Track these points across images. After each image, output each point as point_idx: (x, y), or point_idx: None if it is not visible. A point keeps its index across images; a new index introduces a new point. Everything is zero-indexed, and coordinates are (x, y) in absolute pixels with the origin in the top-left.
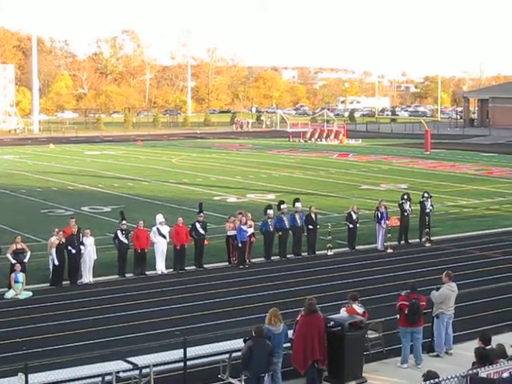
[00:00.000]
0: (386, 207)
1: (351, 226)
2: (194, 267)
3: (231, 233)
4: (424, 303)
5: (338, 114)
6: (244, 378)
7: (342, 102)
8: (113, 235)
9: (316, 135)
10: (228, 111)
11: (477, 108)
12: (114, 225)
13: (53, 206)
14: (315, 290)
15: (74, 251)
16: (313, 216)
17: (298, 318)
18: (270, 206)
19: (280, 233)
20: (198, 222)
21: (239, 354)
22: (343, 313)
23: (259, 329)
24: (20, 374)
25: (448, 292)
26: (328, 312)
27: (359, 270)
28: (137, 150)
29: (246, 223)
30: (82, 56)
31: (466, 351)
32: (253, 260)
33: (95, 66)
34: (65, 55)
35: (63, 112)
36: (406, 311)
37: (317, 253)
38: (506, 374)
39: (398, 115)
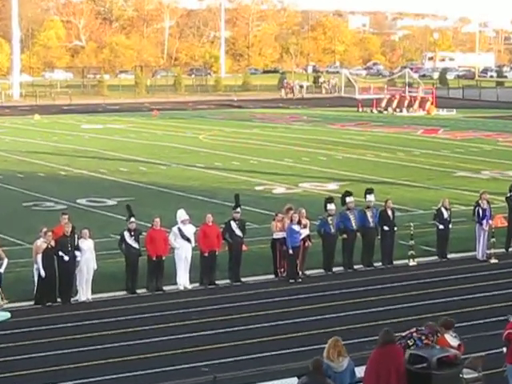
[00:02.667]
0: (488, 202)
1: (441, 226)
2: (228, 281)
3: (279, 235)
4: None
5: (424, 76)
6: None
7: (430, 58)
8: (118, 237)
9: (394, 104)
10: (275, 71)
11: None
12: (121, 223)
13: (39, 198)
14: (391, 314)
15: (66, 258)
16: (389, 213)
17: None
18: (330, 200)
19: (345, 235)
20: (234, 220)
21: None
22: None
23: (317, 362)
24: None
25: None
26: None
27: (452, 286)
28: (152, 123)
29: (298, 222)
30: None
31: None
32: (307, 272)
33: (96, 9)
34: None
35: (53, 71)
36: None
37: (394, 263)
38: None
39: (506, 77)
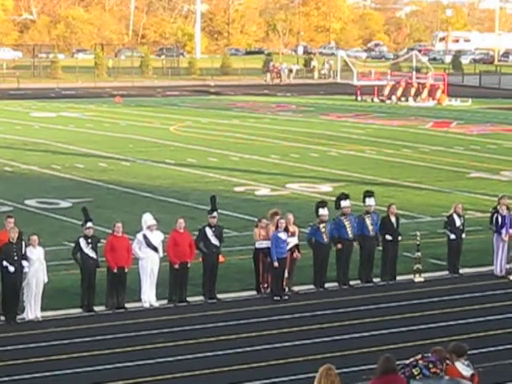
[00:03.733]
0: (509, 208)
1: (453, 236)
2: (201, 298)
3: (262, 244)
4: None
5: (434, 59)
6: None
7: (442, 39)
8: (73, 245)
9: (399, 92)
10: (259, 52)
11: None
12: (77, 229)
13: None
14: (393, 338)
15: (12, 269)
16: (393, 220)
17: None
18: (323, 204)
19: (339, 245)
20: (210, 226)
21: None
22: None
23: None
24: None
25: None
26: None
27: (465, 306)
28: (114, 112)
29: (285, 230)
30: None
31: None
32: (295, 288)
33: None
34: None
35: None
36: None
37: (398, 278)
38: None
39: None
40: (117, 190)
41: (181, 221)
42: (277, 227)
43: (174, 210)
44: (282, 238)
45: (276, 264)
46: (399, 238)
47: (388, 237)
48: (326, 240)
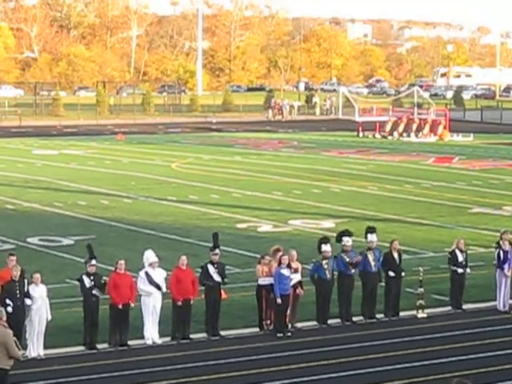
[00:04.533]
0: (511, 243)
1: (461, 270)
2: (204, 335)
3: (265, 281)
4: None
5: (435, 95)
6: None
7: (443, 75)
8: (78, 283)
9: (401, 128)
10: (261, 88)
11: None
12: (79, 266)
13: None
14: (396, 374)
15: (13, 307)
16: (395, 256)
17: None
18: (326, 240)
19: (391, 273)
20: (212, 263)
21: None
22: None
23: None
24: None
25: None
26: None
27: (468, 342)
28: (116, 149)
29: (288, 266)
30: (30, 0)
31: None
32: (298, 325)
33: (51, 15)
34: None
35: (0, 88)
36: None
37: (401, 314)
38: None
39: None
40: (119, 228)
41: (183, 258)
42: (279, 264)
43: (176, 247)
44: (285, 275)
45: (279, 300)
46: (402, 273)
47: (391, 273)
48: (328, 276)
